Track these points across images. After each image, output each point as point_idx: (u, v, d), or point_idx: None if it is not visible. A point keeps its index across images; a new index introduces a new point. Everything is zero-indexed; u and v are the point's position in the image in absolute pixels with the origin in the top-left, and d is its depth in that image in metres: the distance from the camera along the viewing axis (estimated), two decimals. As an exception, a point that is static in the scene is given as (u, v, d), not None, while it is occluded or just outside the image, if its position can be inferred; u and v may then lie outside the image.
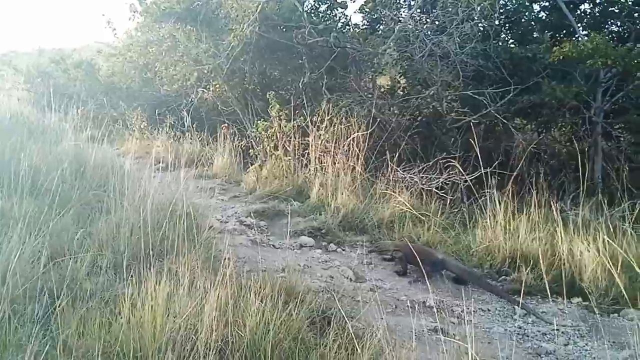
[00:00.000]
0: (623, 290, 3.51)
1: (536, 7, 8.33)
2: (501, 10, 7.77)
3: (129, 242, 3.82)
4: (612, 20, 7.81)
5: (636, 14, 7.37)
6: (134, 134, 10.50)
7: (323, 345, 2.98)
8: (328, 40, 7.97)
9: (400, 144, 7.39)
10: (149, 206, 4.11)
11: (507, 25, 8.30)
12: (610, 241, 4.15)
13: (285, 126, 7.66)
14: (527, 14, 8.17)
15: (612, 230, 4.75)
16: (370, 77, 8.55)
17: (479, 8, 7.07)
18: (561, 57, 6.12)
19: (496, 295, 4.67)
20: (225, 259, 4.25)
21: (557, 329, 3.92)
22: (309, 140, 7.37)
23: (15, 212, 3.67)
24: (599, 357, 3.42)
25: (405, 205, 6.13)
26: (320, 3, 9.72)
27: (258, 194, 7.29)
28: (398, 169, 6.83)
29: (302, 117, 7.54)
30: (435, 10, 7.72)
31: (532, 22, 8.17)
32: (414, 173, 6.78)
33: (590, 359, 3.53)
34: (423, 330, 3.59)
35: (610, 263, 3.73)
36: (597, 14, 7.79)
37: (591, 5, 7.88)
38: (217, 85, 9.72)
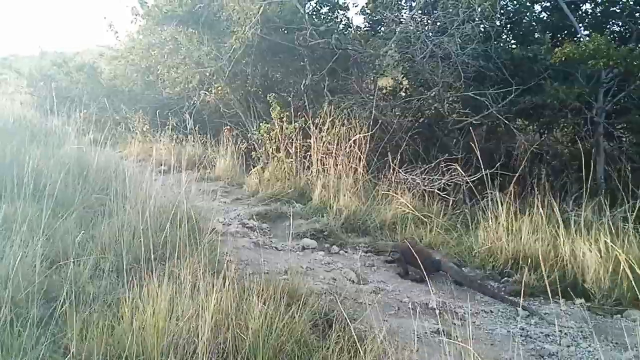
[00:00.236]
0: (634, 290, 3.48)
1: (537, 7, 8.32)
2: (502, 11, 7.76)
3: (131, 245, 3.83)
4: (613, 21, 7.79)
5: (637, 14, 7.36)
6: (136, 137, 10.52)
7: (326, 347, 2.98)
8: (329, 42, 7.98)
9: (402, 146, 7.39)
10: (151, 209, 4.13)
11: (508, 26, 8.29)
12: (612, 244, 4.15)
13: (287, 128, 7.67)
14: (528, 14, 8.15)
15: (614, 231, 4.74)
16: (372, 78, 8.56)
17: (479, 9, 7.08)
18: (563, 58, 6.11)
19: (491, 297, 4.67)
20: (227, 261, 4.28)
21: (560, 330, 3.91)
22: (310, 142, 7.38)
23: (18, 215, 3.67)
24: (602, 359, 3.42)
25: (408, 206, 6.14)
26: (321, 5, 9.74)
27: (260, 197, 7.30)
28: (400, 170, 6.83)
29: (303, 119, 7.55)
30: (436, 12, 7.73)
31: (533, 23, 8.16)
32: (416, 174, 6.78)
33: (593, 360, 3.53)
34: (425, 332, 3.59)
35: (613, 264, 3.73)
36: (599, 14, 7.77)
37: (592, 6, 7.86)
38: (219, 88, 9.73)
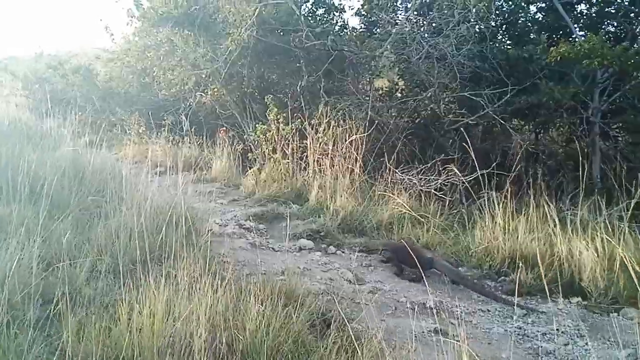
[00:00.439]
0: (630, 288, 3.50)
1: (532, 8, 8.34)
2: (497, 12, 7.77)
3: (127, 247, 3.82)
4: (608, 21, 7.82)
5: (632, 15, 7.38)
6: (132, 139, 10.51)
7: (323, 347, 2.98)
8: (325, 44, 7.98)
9: (398, 146, 7.40)
10: (147, 211, 4.12)
11: (503, 26, 8.31)
12: (609, 240, 4.16)
13: (283, 129, 7.67)
14: (523, 15, 8.18)
15: (610, 229, 4.75)
16: (368, 79, 8.57)
17: (475, 10, 7.09)
18: (558, 58, 6.12)
19: (484, 295, 4.69)
20: (224, 262, 4.28)
21: (557, 329, 3.92)
22: (307, 143, 7.38)
23: (14, 217, 3.67)
24: (599, 357, 3.43)
25: (404, 206, 6.14)
26: (317, 7, 9.75)
27: (257, 197, 7.30)
28: (396, 170, 6.85)
29: (300, 120, 7.56)
30: (431, 13, 7.74)
31: (529, 24, 8.18)
32: (412, 175, 6.79)
33: (590, 358, 3.53)
34: (423, 332, 3.59)
35: (609, 263, 3.74)
36: (594, 14, 7.80)
37: (587, 6, 7.89)
38: (215, 90, 9.72)
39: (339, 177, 6.86)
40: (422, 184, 6.66)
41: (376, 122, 7.61)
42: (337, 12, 9.69)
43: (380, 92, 8.73)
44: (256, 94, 9.45)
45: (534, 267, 4.72)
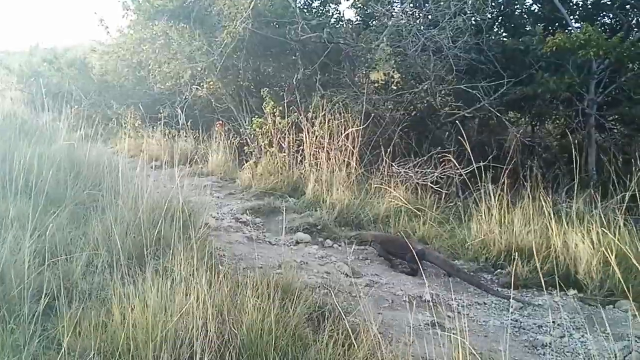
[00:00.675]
0: (622, 282, 3.51)
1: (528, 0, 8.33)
2: (493, 4, 7.75)
3: (124, 241, 3.81)
4: (604, 12, 7.81)
5: (628, 6, 7.37)
6: (128, 133, 10.47)
7: (320, 341, 2.98)
8: (321, 36, 7.97)
9: (394, 139, 7.40)
10: (143, 205, 4.11)
11: (499, 18, 8.29)
12: (604, 230, 4.17)
13: (279, 123, 7.66)
14: (519, 6, 8.15)
15: (605, 222, 4.76)
16: (364, 72, 8.55)
17: (470, 2, 7.08)
18: (554, 48, 6.12)
19: (475, 285, 4.74)
20: (221, 256, 4.28)
21: (553, 321, 3.93)
22: (303, 137, 7.38)
23: (9, 212, 3.66)
24: (594, 349, 3.44)
25: (401, 199, 6.15)
26: (312, -1, 9.72)
27: (253, 191, 7.30)
28: (393, 163, 6.85)
29: (296, 114, 7.55)
30: (427, 5, 7.72)
31: (525, 15, 8.16)
32: (408, 168, 6.80)
33: (586, 350, 3.55)
34: (419, 325, 3.59)
35: (605, 255, 3.75)
36: (589, 6, 7.78)
37: (583, -3, 7.89)
38: (211, 83, 9.69)
39: (336, 170, 6.86)
40: (418, 177, 6.67)
41: (372, 115, 7.60)
42: (332, 4, 9.68)
43: (377, 84, 8.72)
44: (252, 87, 9.43)
45: (530, 260, 4.74)
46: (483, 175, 5.90)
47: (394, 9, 8.24)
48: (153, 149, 9.42)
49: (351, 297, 4.04)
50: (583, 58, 6.25)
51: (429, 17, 7.74)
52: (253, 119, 8.19)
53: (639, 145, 6.84)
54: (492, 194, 5.55)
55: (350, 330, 2.91)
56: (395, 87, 8.46)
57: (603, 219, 4.74)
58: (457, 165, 6.35)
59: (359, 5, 9.18)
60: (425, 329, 3.49)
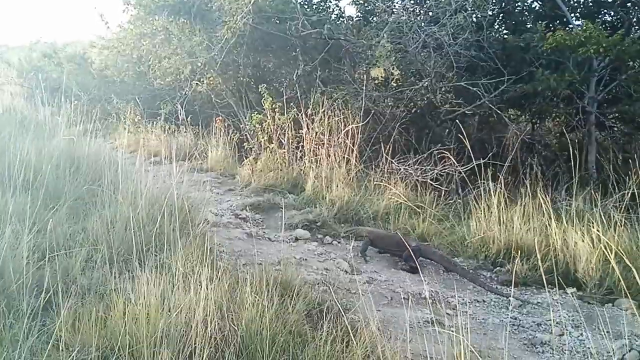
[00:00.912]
0: (622, 281, 3.51)
1: (529, -4, 8.32)
2: (494, 1, 7.75)
3: (123, 237, 3.81)
4: (605, 10, 7.79)
5: (629, 4, 7.36)
6: (127, 128, 10.45)
7: (319, 337, 2.98)
8: (321, 32, 7.95)
9: (394, 136, 7.39)
10: (143, 200, 4.11)
11: (500, 15, 8.27)
12: (602, 233, 4.17)
13: (279, 119, 7.65)
14: (520, 4, 8.14)
15: (605, 220, 4.76)
16: (364, 69, 8.53)
17: (471, -1, 7.07)
18: (554, 45, 6.11)
19: (470, 280, 4.76)
20: (220, 252, 4.27)
21: (552, 320, 3.93)
22: (303, 133, 7.37)
23: (8, 207, 3.65)
24: (593, 347, 3.44)
25: (400, 196, 6.14)
26: (313, -5, 9.69)
27: (253, 187, 7.29)
28: (393, 160, 6.84)
29: (296, 110, 7.53)
30: (428, 1, 7.71)
31: (526, 12, 8.15)
32: (408, 165, 6.79)
33: (585, 348, 3.55)
34: (419, 322, 3.59)
35: (604, 254, 3.75)
36: (590, 3, 7.76)
37: (584, -5, 7.87)
38: (211, 78, 9.67)
39: (335, 167, 6.85)
40: (418, 174, 6.67)
41: (372, 111, 7.60)
42: (333, 0, 9.66)
43: (377, 81, 8.70)
44: (252, 82, 9.41)
45: (530, 258, 4.74)
46: (483, 172, 5.90)
47: (394, 6, 8.22)
48: (152, 145, 9.41)
49: (350, 294, 4.04)
50: (583, 56, 6.25)
51: (430, 13, 7.73)
52: (253, 115, 8.18)
53: (639, 144, 6.84)
54: (491, 192, 5.55)
55: (349, 327, 2.90)
56: (395, 84, 8.44)
57: (603, 217, 4.74)
58: (456, 162, 6.35)
59: (360, 1, 9.15)
60: (424, 326, 3.49)
